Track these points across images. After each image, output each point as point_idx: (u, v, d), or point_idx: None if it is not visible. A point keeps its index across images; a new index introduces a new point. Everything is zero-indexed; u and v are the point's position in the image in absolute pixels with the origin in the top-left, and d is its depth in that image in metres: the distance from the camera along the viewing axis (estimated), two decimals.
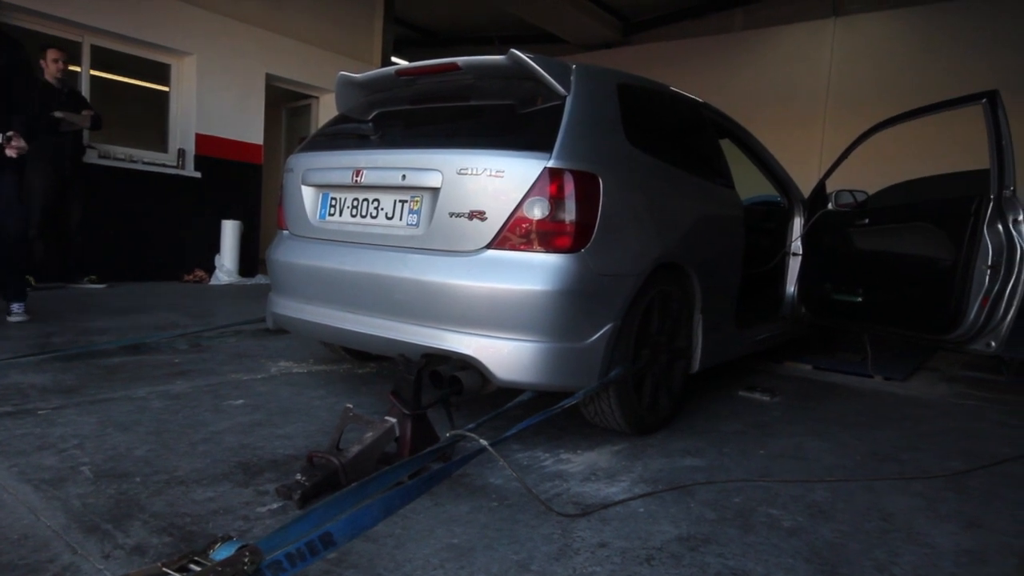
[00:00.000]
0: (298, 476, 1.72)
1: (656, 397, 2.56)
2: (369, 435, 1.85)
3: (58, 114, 5.19)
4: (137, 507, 1.65)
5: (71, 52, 5.92)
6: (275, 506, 1.70)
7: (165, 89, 6.70)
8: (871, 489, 2.11)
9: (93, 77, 6.11)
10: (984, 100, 3.14)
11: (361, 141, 2.71)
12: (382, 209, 2.41)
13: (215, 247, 6.76)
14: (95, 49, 6.08)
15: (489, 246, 2.15)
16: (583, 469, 2.12)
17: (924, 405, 3.34)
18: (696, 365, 2.82)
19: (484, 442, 1.75)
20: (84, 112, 5.42)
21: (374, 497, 1.48)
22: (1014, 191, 3.06)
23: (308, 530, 1.31)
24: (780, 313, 3.97)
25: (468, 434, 1.81)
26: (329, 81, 3.05)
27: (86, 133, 5.81)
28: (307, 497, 1.67)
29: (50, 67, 5.24)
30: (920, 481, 2.21)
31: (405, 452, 1.88)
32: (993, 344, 3.13)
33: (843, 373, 3.95)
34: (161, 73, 6.64)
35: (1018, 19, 7.58)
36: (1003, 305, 3.06)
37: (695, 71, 9.50)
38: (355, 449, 1.79)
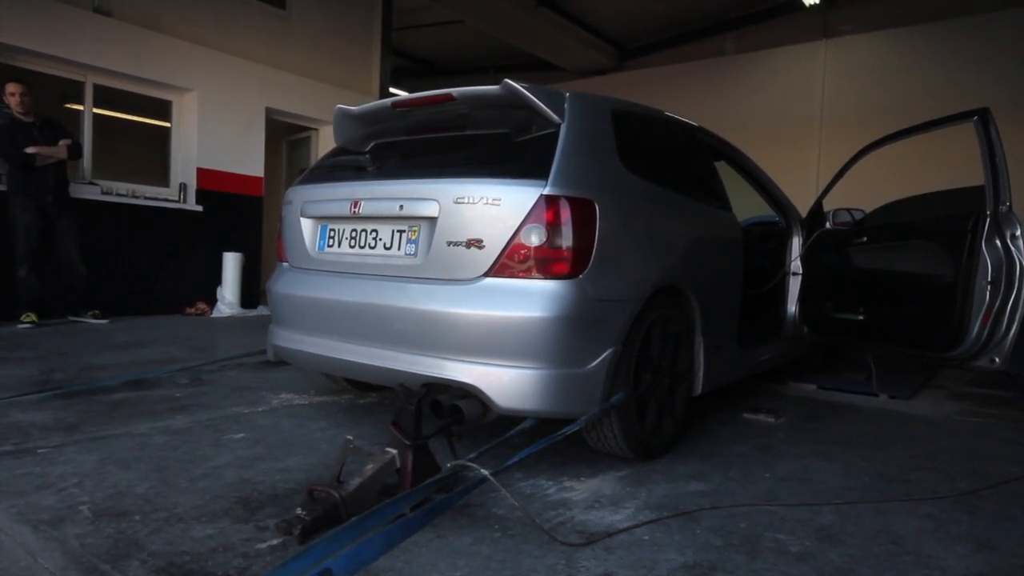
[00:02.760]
0: (298, 510, 1.70)
1: (659, 421, 2.54)
2: (370, 467, 1.84)
3: (30, 150, 5.10)
4: (136, 546, 1.63)
5: (74, 91, 6.02)
6: (275, 542, 1.68)
7: (166, 125, 6.79)
8: (879, 511, 2.08)
9: (95, 115, 6.19)
10: (976, 117, 3.16)
11: (359, 173, 2.74)
12: (380, 239, 2.43)
13: (217, 279, 6.79)
14: (97, 88, 6.17)
15: (487, 274, 2.16)
16: (587, 496, 2.10)
17: (930, 424, 3.31)
18: (699, 388, 2.80)
19: (486, 472, 1.74)
20: (61, 142, 5.31)
21: (375, 531, 1.47)
22: (1010, 207, 3.07)
23: (308, 566, 1.30)
24: (782, 333, 3.96)
25: (470, 464, 1.80)
26: (328, 113, 3.09)
27: (85, 168, 5.86)
28: (307, 532, 1.65)
29: (10, 101, 5.15)
30: (929, 502, 2.18)
31: (406, 484, 1.86)
32: (997, 360, 3.11)
33: (848, 392, 3.93)
34: (162, 109, 6.74)
35: (1001, 39, 7.69)
36: (1005, 321, 3.05)
37: (690, 95, 9.62)
38: (355, 482, 1.78)
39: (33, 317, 5.17)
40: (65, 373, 3.56)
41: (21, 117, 5.21)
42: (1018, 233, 3.02)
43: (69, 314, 5.52)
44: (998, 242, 3.05)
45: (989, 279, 3.05)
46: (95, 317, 5.59)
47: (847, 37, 8.88)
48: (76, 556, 1.57)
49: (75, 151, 5.47)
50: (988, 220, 3.07)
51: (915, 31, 8.35)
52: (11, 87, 5.17)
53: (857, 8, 8.86)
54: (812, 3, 8.53)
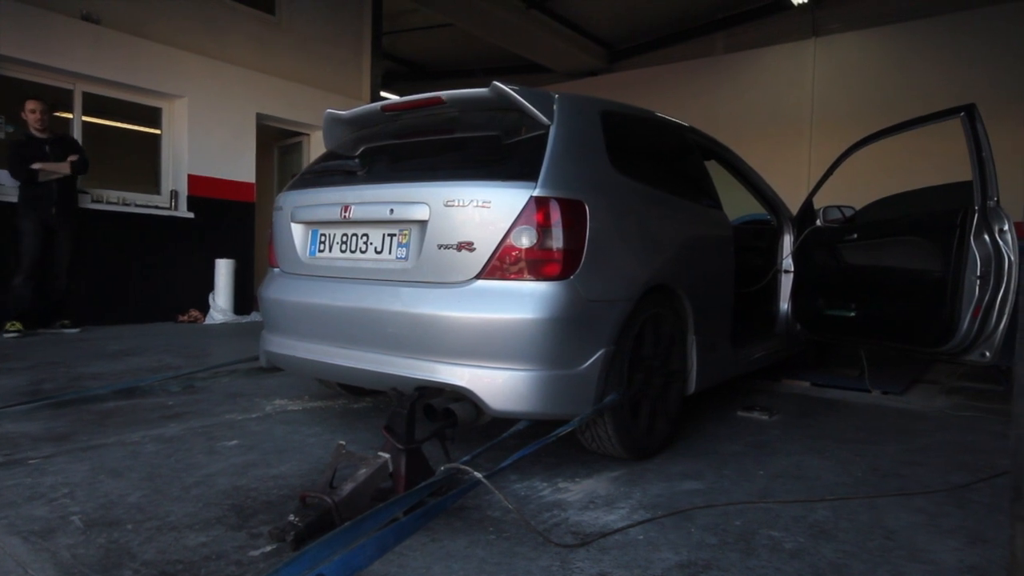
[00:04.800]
0: (291, 517, 1.69)
1: (653, 421, 2.54)
2: (362, 472, 1.83)
3: (36, 166, 5.21)
4: (128, 556, 1.62)
5: (63, 100, 6.00)
6: (268, 549, 1.67)
7: (157, 132, 6.77)
8: (873, 506, 2.09)
9: (85, 123, 6.16)
10: (962, 113, 3.18)
11: (349, 177, 2.73)
12: (371, 243, 2.42)
13: (209, 286, 6.77)
14: (87, 96, 6.15)
15: (478, 276, 2.16)
16: (581, 497, 2.10)
17: (923, 418, 3.32)
18: (692, 387, 2.81)
19: (479, 475, 1.73)
20: (69, 158, 5.40)
21: (368, 535, 1.46)
22: (997, 202, 3.09)
23: (301, 572, 1.29)
24: (775, 331, 3.97)
25: (463, 467, 1.79)
26: (319, 118, 3.09)
27: (82, 180, 5.83)
28: (301, 538, 1.64)
29: (29, 118, 5.27)
30: (922, 496, 2.19)
31: (400, 488, 1.86)
32: (988, 354, 3.13)
33: (841, 389, 3.94)
34: (153, 116, 6.72)
35: (988, 35, 7.76)
36: (995, 315, 3.07)
37: (680, 95, 9.66)
38: (348, 487, 1.77)
39: (19, 326, 5.17)
40: (56, 383, 3.53)
41: (37, 134, 5.30)
42: (1006, 228, 3.04)
43: (40, 325, 5.47)
44: (986, 237, 3.07)
45: (978, 274, 3.07)
46: (64, 327, 5.56)
47: (835, 35, 8.94)
48: (67, 567, 1.56)
49: (80, 167, 5.53)
50: (976, 215, 3.09)
51: (903, 28, 8.41)
52: (30, 104, 5.28)
53: (845, 6, 8.92)
54: (800, 2, 8.58)
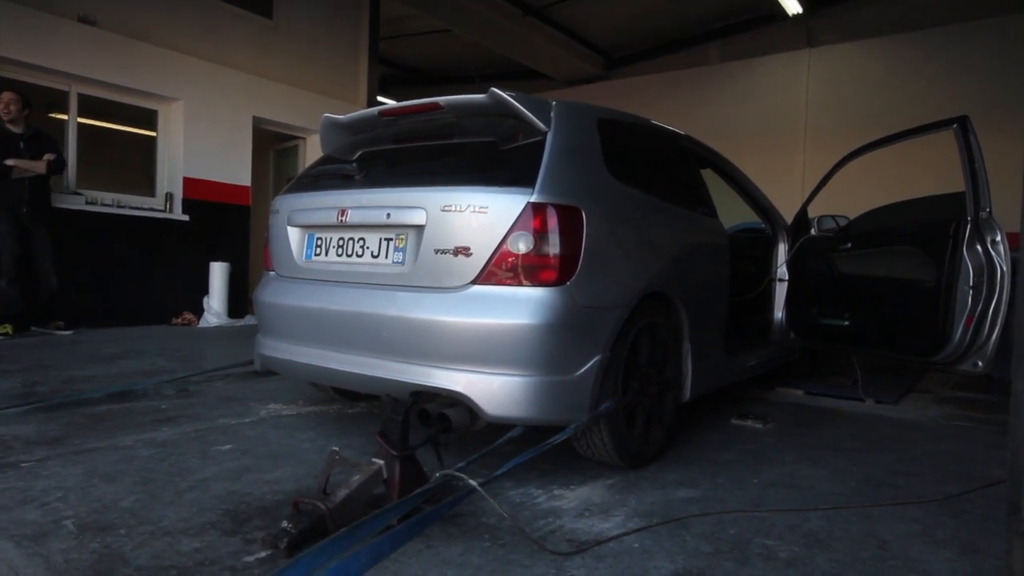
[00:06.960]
0: (284, 523, 1.69)
1: (648, 429, 2.55)
2: (356, 478, 1.83)
3: (9, 162, 5.13)
4: (121, 561, 1.61)
5: (59, 101, 5.98)
6: (263, 555, 1.66)
7: (152, 134, 6.75)
8: (867, 516, 2.10)
9: (80, 124, 6.14)
10: (955, 125, 3.21)
11: (346, 181, 2.73)
12: (368, 248, 2.42)
13: (203, 289, 6.74)
14: (82, 97, 6.13)
15: (475, 281, 2.16)
16: (577, 505, 2.10)
17: (916, 428, 3.33)
18: (687, 394, 2.81)
19: (474, 483, 1.73)
20: (45, 157, 5.31)
21: (364, 543, 1.46)
22: (990, 212, 3.11)
23: None
24: (769, 339, 3.98)
25: (458, 474, 1.79)
26: (316, 122, 3.09)
27: (69, 178, 5.81)
28: (294, 545, 1.63)
29: (2, 111, 5.19)
30: (915, 506, 2.19)
31: (394, 495, 1.85)
32: (980, 364, 3.15)
33: (834, 397, 3.95)
34: (148, 119, 6.70)
35: (981, 47, 7.84)
36: (987, 325, 3.09)
37: (676, 104, 9.71)
38: (342, 493, 1.77)
39: (8, 328, 5.13)
40: (49, 385, 3.51)
41: (9, 127, 5.22)
42: (998, 239, 3.07)
43: (33, 325, 5.44)
44: (979, 247, 3.09)
45: (971, 284, 3.09)
46: (59, 328, 5.53)
47: (830, 46, 9.01)
48: (60, 572, 1.54)
49: (57, 167, 5.46)
50: (969, 226, 3.11)
51: (896, 40, 8.49)
52: (5, 96, 5.20)
53: (839, 18, 8.99)
54: (795, 13, 8.63)
